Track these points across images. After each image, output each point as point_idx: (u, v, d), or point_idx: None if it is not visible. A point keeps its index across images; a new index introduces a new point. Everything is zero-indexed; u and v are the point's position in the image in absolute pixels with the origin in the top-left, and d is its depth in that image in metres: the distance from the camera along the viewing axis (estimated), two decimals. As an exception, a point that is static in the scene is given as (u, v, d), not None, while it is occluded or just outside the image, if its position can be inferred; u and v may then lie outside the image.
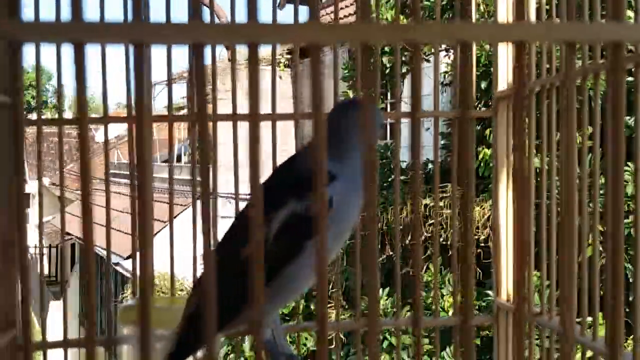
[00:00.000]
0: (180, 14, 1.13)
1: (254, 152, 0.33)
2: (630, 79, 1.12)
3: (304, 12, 1.22)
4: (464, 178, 0.38)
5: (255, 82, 0.33)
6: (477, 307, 3.51)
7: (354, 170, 0.87)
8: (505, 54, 1.21)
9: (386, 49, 3.77)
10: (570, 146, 0.40)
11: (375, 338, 0.33)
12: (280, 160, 1.19)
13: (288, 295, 0.88)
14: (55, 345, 1.12)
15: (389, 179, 4.01)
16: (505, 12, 1.19)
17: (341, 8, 1.25)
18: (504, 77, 1.21)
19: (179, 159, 8.07)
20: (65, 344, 1.12)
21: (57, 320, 1.28)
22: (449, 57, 3.65)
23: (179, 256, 1.19)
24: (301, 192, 0.83)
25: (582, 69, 0.99)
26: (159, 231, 2.85)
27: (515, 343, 0.36)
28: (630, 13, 2.29)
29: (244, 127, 1.16)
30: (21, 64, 0.30)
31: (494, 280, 1.25)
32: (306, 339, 3.81)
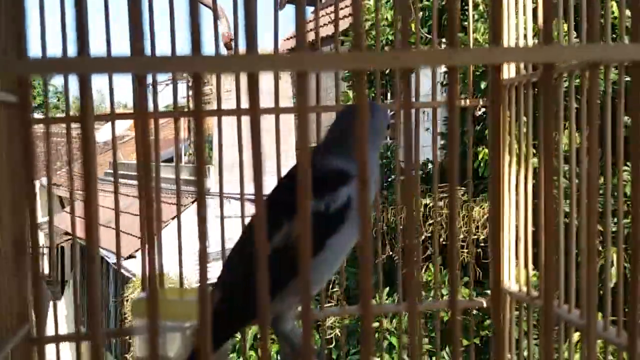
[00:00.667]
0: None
1: (256, 148, 0.33)
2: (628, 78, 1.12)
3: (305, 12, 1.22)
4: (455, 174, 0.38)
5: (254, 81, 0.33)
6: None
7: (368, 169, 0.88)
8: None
9: (386, 48, 3.76)
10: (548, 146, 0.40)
11: (371, 325, 0.33)
12: (282, 159, 1.20)
13: (314, 286, 0.90)
14: (67, 338, 1.13)
15: (389, 179, 4.01)
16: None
17: (340, 8, 1.25)
18: (505, 68, 1.21)
19: (179, 159, 8.06)
20: (77, 337, 1.13)
21: (58, 318, 1.28)
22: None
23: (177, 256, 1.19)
24: (320, 191, 0.85)
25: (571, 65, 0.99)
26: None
27: (542, 339, 0.36)
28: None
29: (247, 128, 1.16)
30: (30, 92, 0.31)
31: (491, 264, 1.27)
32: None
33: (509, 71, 1.19)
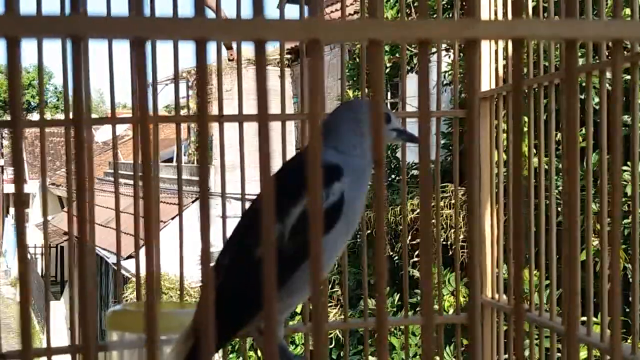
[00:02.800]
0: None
1: (264, 152, 0.33)
2: (627, 77, 1.12)
3: (306, 11, 1.22)
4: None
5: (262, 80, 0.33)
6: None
7: (360, 164, 0.87)
8: (488, 54, 1.21)
9: (386, 48, 3.76)
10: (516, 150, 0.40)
11: (385, 336, 0.33)
12: (281, 159, 1.19)
13: (304, 293, 0.87)
14: (60, 351, 1.09)
15: (389, 179, 4.01)
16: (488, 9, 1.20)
17: (346, 5, 1.26)
18: (487, 78, 1.22)
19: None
20: (72, 349, 1.09)
21: (57, 319, 1.27)
22: (449, 57, 3.65)
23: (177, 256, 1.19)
24: None
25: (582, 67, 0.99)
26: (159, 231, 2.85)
27: (516, 342, 0.36)
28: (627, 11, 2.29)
29: (249, 127, 1.16)
30: (19, 61, 0.29)
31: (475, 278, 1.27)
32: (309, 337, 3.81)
33: (490, 82, 1.20)
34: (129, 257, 5.32)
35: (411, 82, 1.68)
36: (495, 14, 1.18)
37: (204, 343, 0.33)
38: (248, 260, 0.83)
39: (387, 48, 3.82)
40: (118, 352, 0.98)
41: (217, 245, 1.36)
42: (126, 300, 5.70)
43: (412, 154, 1.24)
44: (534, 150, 1.23)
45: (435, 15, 1.27)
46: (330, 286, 3.59)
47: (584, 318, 0.99)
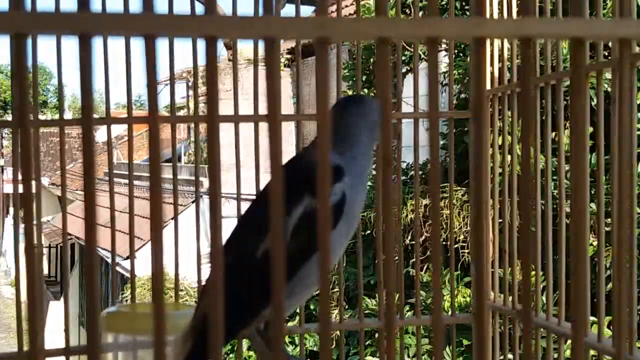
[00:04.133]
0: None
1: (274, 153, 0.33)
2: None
3: (306, 12, 1.22)
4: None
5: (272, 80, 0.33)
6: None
7: (360, 164, 0.87)
8: (489, 54, 1.21)
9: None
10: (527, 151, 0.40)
11: (393, 337, 0.33)
12: (286, 159, 1.19)
13: (305, 292, 0.87)
14: (55, 353, 1.08)
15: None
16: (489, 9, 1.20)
17: (342, 7, 1.25)
18: (488, 77, 1.21)
19: (178, 159, 8.08)
20: (66, 351, 1.08)
21: (56, 319, 1.27)
22: (448, 57, 3.65)
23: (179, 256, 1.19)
24: (315, 187, 0.82)
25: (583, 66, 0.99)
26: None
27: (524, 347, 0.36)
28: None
29: (244, 127, 1.16)
30: (26, 58, 0.29)
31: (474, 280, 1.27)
32: (305, 338, 3.81)
33: (492, 81, 1.20)
34: (128, 257, 5.32)
35: (407, 83, 1.68)
36: (500, 12, 1.18)
37: (212, 341, 0.33)
38: (252, 260, 0.83)
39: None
40: (113, 354, 0.98)
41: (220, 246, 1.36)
42: (125, 301, 5.68)
43: (409, 155, 1.24)
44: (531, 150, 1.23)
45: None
46: (330, 286, 3.59)
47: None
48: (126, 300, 5.51)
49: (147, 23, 0.30)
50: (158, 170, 0.31)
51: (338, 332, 1.26)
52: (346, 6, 5.41)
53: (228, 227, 1.20)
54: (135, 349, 0.87)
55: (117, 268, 6.49)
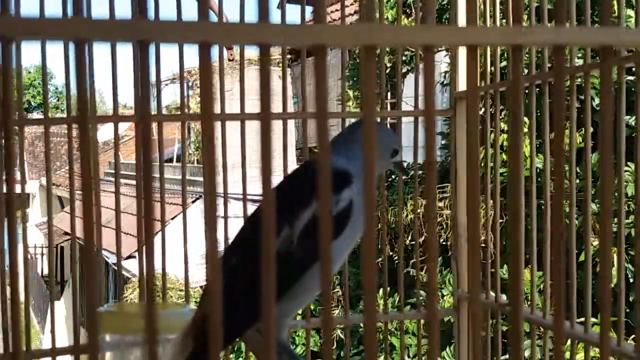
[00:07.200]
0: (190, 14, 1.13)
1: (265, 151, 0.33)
2: (630, 78, 1.12)
3: (306, 12, 1.22)
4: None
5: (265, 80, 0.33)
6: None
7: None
8: (464, 55, 1.21)
9: (387, 48, 3.76)
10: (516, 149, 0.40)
11: (374, 333, 0.33)
12: (287, 159, 1.19)
13: (309, 295, 0.87)
14: (64, 351, 1.08)
15: (389, 179, 4.01)
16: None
17: (345, 6, 1.25)
18: (464, 78, 1.23)
19: (178, 159, 8.07)
20: (75, 350, 1.08)
21: (56, 320, 1.27)
22: (449, 57, 3.65)
23: (178, 256, 1.19)
24: None
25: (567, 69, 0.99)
26: (158, 231, 2.84)
27: (471, 332, 0.36)
28: (630, 12, 2.29)
29: (251, 126, 1.16)
30: (11, 60, 0.29)
31: (454, 273, 1.29)
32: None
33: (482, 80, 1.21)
34: (129, 257, 5.33)
35: (408, 83, 1.68)
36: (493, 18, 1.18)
37: (212, 343, 0.33)
38: (255, 262, 0.82)
39: (387, 48, 3.82)
40: (101, 354, 0.98)
41: (219, 246, 1.36)
42: (126, 301, 5.70)
43: (409, 155, 1.24)
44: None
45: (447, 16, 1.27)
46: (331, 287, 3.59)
47: (582, 319, 0.99)
48: (126, 300, 5.52)
49: (140, 30, 0.30)
50: (149, 171, 0.31)
51: (339, 332, 1.26)
52: (346, 6, 5.40)
53: (232, 227, 1.21)
54: (124, 349, 0.86)
55: (116, 267, 6.48)
